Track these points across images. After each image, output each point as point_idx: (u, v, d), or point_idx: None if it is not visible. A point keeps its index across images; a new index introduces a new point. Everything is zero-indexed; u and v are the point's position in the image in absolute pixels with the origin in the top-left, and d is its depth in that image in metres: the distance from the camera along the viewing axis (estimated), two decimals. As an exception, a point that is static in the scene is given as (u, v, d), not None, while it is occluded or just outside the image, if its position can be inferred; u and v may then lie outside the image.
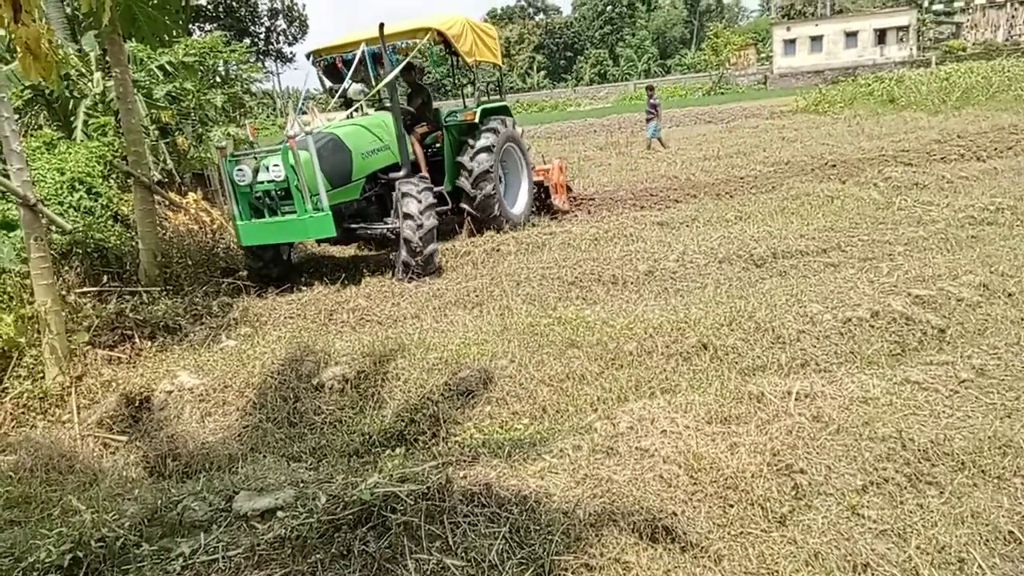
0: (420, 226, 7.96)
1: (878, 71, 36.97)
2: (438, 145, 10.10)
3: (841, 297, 5.79)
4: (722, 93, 50.33)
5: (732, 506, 3.29)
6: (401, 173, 8.76)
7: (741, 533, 3.15)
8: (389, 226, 8.33)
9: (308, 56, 10.00)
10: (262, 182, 7.67)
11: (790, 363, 5.01)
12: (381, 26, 8.53)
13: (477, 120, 9.81)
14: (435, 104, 10.76)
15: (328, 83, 10.05)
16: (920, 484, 3.42)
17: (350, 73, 9.12)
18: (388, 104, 9.73)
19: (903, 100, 23.37)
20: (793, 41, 53.33)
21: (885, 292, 5.84)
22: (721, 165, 14.05)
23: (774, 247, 7.70)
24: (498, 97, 11.32)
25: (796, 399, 4.02)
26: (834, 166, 12.56)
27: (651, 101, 19.69)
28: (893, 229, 8.12)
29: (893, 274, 6.31)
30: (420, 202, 8.08)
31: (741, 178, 12.50)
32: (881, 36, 51.25)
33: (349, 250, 10.67)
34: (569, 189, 12.00)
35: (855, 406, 3.97)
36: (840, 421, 3.80)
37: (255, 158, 7.72)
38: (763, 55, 63.47)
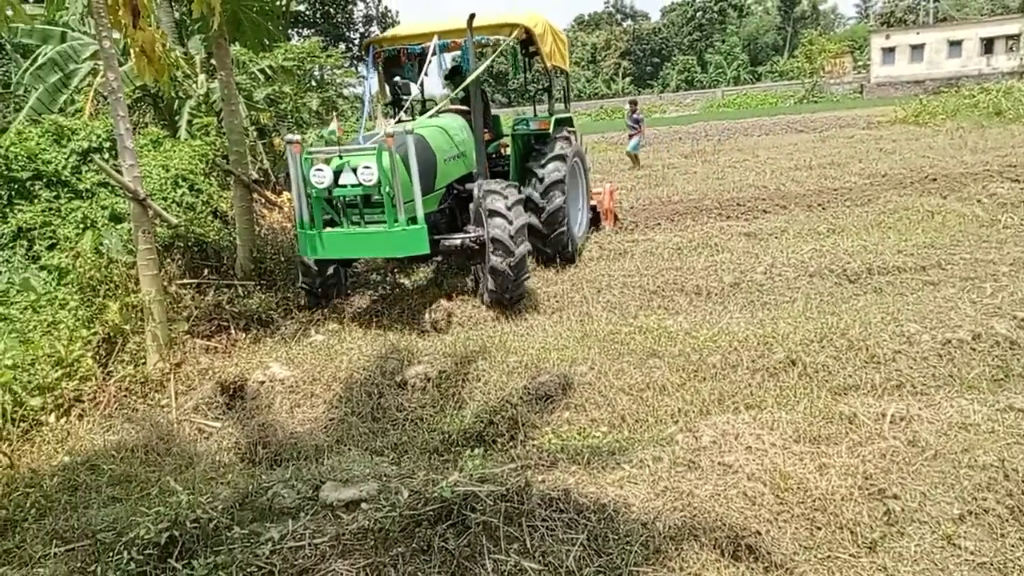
0: (510, 222, 6.85)
1: (984, 82, 35.17)
2: (494, 156, 9.25)
3: (941, 317, 5.55)
4: (815, 102, 48.84)
5: (820, 528, 3.19)
6: (477, 183, 7.76)
7: (828, 557, 3.06)
8: (472, 235, 7.22)
9: (367, 47, 8.79)
10: (344, 186, 6.54)
11: (884, 384, 4.82)
12: (471, 17, 7.71)
13: (551, 130, 8.86)
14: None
15: (385, 79, 9.00)
16: (1023, 517, 3.24)
17: (425, 68, 8.38)
18: (439, 107, 8.74)
19: (1011, 113, 22.12)
20: (892, 49, 51.29)
21: (988, 314, 5.56)
22: (813, 176, 13.62)
23: (869, 262, 7.43)
24: (563, 107, 10.24)
25: (891, 422, 3.87)
26: (935, 180, 12.00)
27: (634, 116, 18.83)
28: (998, 248, 7.72)
29: (997, 295, 6.01)
30: (507, 198, 7.02)
31: (835, 190, 12.10)
32: (988, 45, 48.74)
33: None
34: (616, 218, 11.08)
35: (954, 432, 3.79)
36: (937, 447, 3.64)
37: (339, 157, 6.59)
38: (859, 63, 61.27)
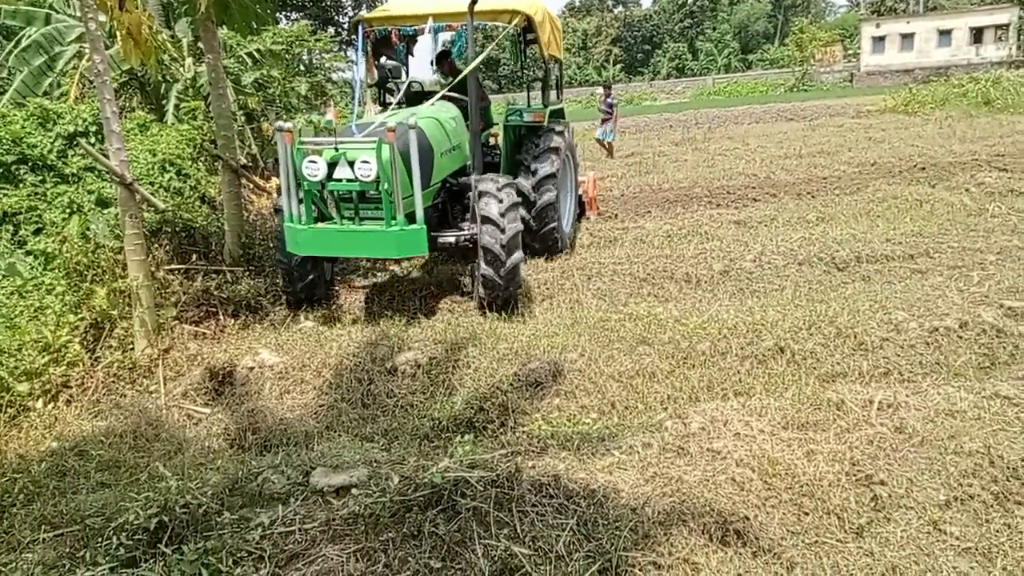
0: (502, 230, 6.49)
1: (973, 71, 35.28)
2: (484, 146, 8.57)
3: (928, 305, 5.59)
4: (805, 90, 48.90)
5: (807, 514, 3.22)
6: (472, 178, 7.40)
7: (816, 542, 3.08)
8: (467, 233, 6.90)
9: (355, 25, 8.08)
10: (339, 180, 6.12)
11: (872, 371, 4.86)
12: (473, 2, 7.15)
13: (546, 122, 8.48)
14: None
15: (373, 60, 8.34)
16: (1008, 503, 3.28)
17: (411, 49, 7.91)
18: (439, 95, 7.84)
19: (1000, 102, 22.22)
20: (882, 38, 51.33)
21: (975, 302, 5.61)
22: (803, 164, 13.65)
23: (858, 251, 7.47)
24: (556, 97, 9.59)
25: (878, 408, 3.90)
26: (923, 169, 12.06)
27: (607, 100, 18.09)
28: (985, 237, 7.79)
29: (984, 283, 6.06)
30: (501, 202, 6.60)
31: (824, 178, 12.14)
32: (978, 35, 48.85)
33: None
34: (598, 210, 10.82)
35: (940, 419, 3.82)
36: (924, 433, 3.67)
37: (335, 149, 6.10)
38: (850, 52, 61.31)
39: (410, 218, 6.22)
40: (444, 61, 8.60)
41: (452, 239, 6.93)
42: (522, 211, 7.42)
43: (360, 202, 6.28)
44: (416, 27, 7.92)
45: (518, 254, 6.63)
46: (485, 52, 7.64)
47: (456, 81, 7.55)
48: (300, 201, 6.29)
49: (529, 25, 8.19)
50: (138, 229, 6.02)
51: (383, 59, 8.50)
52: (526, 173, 8.16)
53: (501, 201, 6.61)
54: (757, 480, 3.39)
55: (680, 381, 4.94)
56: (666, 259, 7.84)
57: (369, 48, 8.27)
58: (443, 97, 7.83)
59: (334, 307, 7.17)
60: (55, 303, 5.89)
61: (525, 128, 8.59)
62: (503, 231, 6.50)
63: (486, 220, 6.54)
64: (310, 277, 6.99)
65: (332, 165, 6.09)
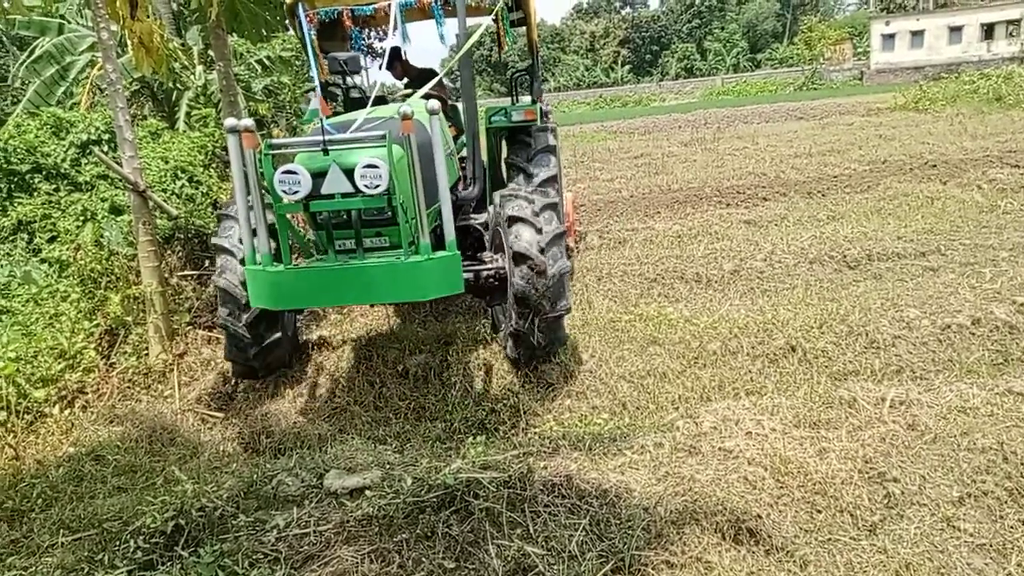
0: (543, 273, 4.80)
1: (984, 67, 35.04)
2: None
3: (940, 302, 5.56)
4: (815, 88, 48.70)
5: (820, 512, 3.22)
6: (473, 191, 5.88)
7: (829, 540, 3.09)
8: (492, 267, 5.29)
9: (291, 9, 6.00)
10: (331, 197, 4.26)
11: (884, 369, 4.85)
12: None
13: (538, 120, 6.73)
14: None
15: (321, 52, 6.25)
16: (1022, 499, 3.27)
17: (393, 32, 5.53)
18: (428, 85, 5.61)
19: (1011, 99, 22.03)
20: (892, 36, 51.09)
21: (987, 299, 5.58)
22: (813, 163, 13.60)
23: (869, 249, 7.44)
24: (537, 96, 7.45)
25: (891, 406, 3.90)
26: (935, 166, 11.99)
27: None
28: (997, 233, 7.73)
29: (996, 280, 6.02)
30: (540, 231, 4.91)
31: (834, 177, 12.09)
32: (988, 31, 48.52)
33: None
34: (577, 232, 9.35)
35: (953, 415, 3.82)
36: (937, 430, 3.66)
37: (322, 152, 4.22)
38: (860, 50, 61.03)
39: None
40: (396, 62, 6.87)
41: (470, 275, 5.23)
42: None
43: (367, 226, 4.53)
44: (375, 6, 5.95)
45: (564, 301, 5.04)
46: (477, 33, 5.36)
47: (454, 62, 5.64)
48: (270, 232, 4.43)
49: (517, 2, 6.55)
50: (151, 236, 6.08)
51: (334, 52, 6.26)
52: (522, 178, 6.57)
53: (540, 231, 4.91)
54: (769, 479, 3.40)
55: (691, 381, 4.95)
56: (676, 259, 7.83)
57: (314, 38, 6.00)
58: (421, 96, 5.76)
59: (346, 311, 7.13)
60: (70, 310, 5.96)
61: (509, 130, 6.94)
62: (545, 274, 4.81)
63: (521, 258, 4.85)
64: (270, 338, 5.28)
65: (318, 176, 4.23)
